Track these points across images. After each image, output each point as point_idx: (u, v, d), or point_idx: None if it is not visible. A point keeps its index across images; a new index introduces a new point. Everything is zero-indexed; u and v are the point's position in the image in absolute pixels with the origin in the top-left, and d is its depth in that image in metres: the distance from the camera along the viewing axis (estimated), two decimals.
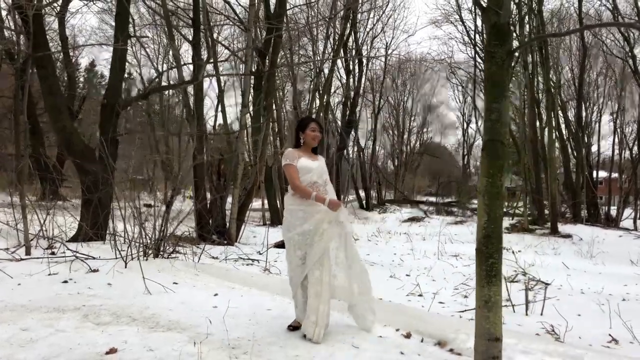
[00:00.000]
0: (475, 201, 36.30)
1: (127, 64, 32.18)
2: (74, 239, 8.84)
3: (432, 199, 40.24)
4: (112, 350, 3.47)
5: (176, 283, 5.79)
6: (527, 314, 6.31)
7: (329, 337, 3.99)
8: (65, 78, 24.41)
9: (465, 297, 7.27)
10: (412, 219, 24.89)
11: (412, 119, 45.89)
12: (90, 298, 4.86)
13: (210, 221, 13.10)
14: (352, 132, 28.30)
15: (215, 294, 5.37)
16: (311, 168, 4.11)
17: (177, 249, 8.62)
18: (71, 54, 29.43)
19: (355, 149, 32.08)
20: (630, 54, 22.86)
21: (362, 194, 32.12)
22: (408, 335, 4.19)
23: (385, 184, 38.63)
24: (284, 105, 26.50)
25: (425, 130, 49.98)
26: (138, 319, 4.23)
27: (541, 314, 6.26)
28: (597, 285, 8.87)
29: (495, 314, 3.34)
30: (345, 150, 25.99)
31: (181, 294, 5.23)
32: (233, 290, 5.71)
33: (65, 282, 5.53)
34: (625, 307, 7.12)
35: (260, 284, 6.02)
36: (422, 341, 4.07)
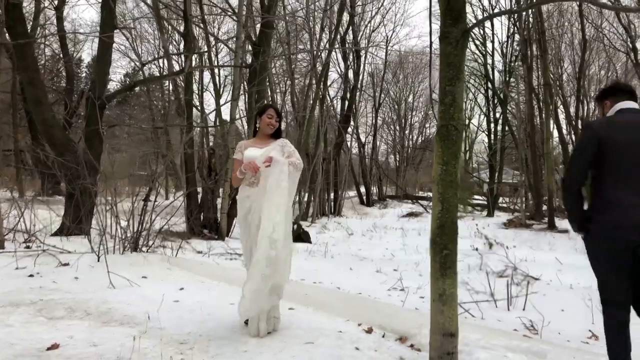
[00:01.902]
0: (477, 196, 36.21)
1: (128, 57, 32.16)
2: (57, 233, 8.74)
3: None
4: (54, 346, 3.34)
5: (145, 277, 5.66)
6: (509, 309, 6.18)
7: (286, 332, 3.87)
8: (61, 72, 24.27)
9: None
10: (411, 214, 24.76)
11: (414, 113, 45.70)
12: (51, 292, 4.73)
13: (202, 215, 13.02)
14: (352, 127, 28.12)
15: (181, 288, 5.24)
16: (252, 157, 3.95)
17: (161, 243, 8.53)
18: (71, 48, 29.44)
19: (356, 144, 31.98)
20: (631, 47, 22.59)
21: (362, 189, 32.02)
22: (369, 330, 4.05)
23: (387, 179, 38.50)
24: (284, 99, 26.41)
25: (427, 125, 49.75)
26: (93, 314, 4.10)
27: (523, 309, 6.13)
28: (587, 280, 8.70)
29: (450, 307, 3.20)
30: (342, 145, 25.80)
31: (146, 288, 5.10)
32: (202, 285, 5.58)
33: (31, 276, 5.41)
34: None
35: (231, 278, 5.89)
36: (383, 336, 3.93)
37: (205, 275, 6.15)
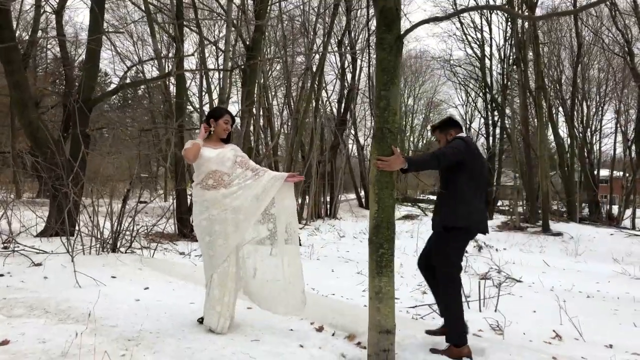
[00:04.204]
0: None
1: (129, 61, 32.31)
2: (41, 235, 8.84)
3: (435, 197, 40.03)
4: (4, 342, 3.41)
5: (114, 277, 5.74)
6: (480, 310, 6.23)
7: (235, 330, 3.94)
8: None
9: (424, 293, 7.19)
10: (407, 217, 24.81)
11: (414, 116, 45.77)
12: (16, 291, 4.82)
13: (191, 218, 13.08)
14: (348, 129, 28.16)
15: (146, 288, 5.31)
16: (209, 157, 4.01)
17: (147, 245, 8.61)
18: (73, 52, 29.60)
19: (355, 147, 32.03)
20: (627, 50, 22.58)
21: (362, 192, 32.09)
22: (320, 329, 4.12)
23: None
24: (284, 103, 26.55)
25: (428, 128, 49.72)
26: (51, 312, 4.18)
27: (495, 311, 6.16)
28: (569, 282, 8.75)
29: (386, 305, 3.27)
30: (338, 147, 25.87)
31: (111, 288, 5.17)
32: (168, 285, 5.65)
33: (1, 275, 5.49)
34: (586, 304, 7.05)
35: (198, 279, 5.94)
36: (333, 335, 4.00)
37: (175, 275, 6.21)
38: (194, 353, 3.33)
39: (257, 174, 4.16)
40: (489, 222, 21.29)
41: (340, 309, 4.78)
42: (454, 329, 3.76)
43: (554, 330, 5.22)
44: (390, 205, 3.25)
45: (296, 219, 4.32)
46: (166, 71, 13.28)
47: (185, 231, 12.37)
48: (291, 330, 4.03)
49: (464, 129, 4.26)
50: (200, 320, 4.08)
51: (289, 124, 21.83)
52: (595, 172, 27.67)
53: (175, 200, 12.52)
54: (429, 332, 4.06)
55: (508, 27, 27.21)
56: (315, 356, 3.46)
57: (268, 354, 3.39)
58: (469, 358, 3.67)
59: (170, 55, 18.69)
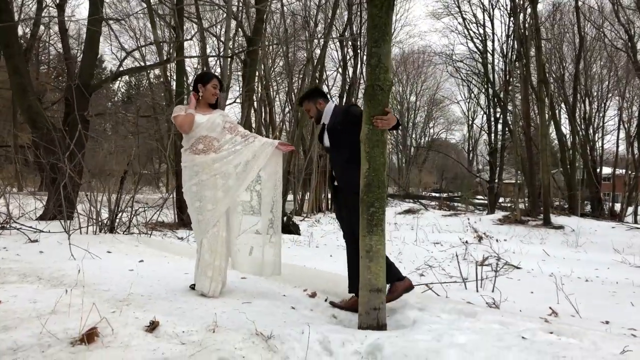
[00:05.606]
0: (479, 196, 35.95)
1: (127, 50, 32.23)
2: (41, 218, 8.85)
3: (437, 194, 40.04)
4: None
5: (110, 252, 5.74)
6: (477, 291, 6.23)
7: (227, 294, 3.94)
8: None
9: (422, 275, 7.22)
10: (408, 211, 24.83)
11: (417, 112, 45.79)
12: (11, 262, 4.81)
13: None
14: None
15: (141, 261, 5.31)
16: (199, 123, 4.01)
17: (146, 231, 8.63)
18: (75, 48, 29.66)
19: None
20: (630, 45, 22.50)
21: None
22: (313, 295, 4.12)
23: (389, 179, 38.53)
24: (280, 98, 26.57)
25: (431, 125, 49.81)
26: (44, 279, 4.18)
27: (492, 291, 6.16)
28: (568, 269, 8.73)
29: (376, 264, 3.26)
30: None
31: (106, 260, 5.17)
32: (163, 259, 5.65)
33: None
34: (584, 287, 7.03)
35: (193, 254, 5.92)
36: (325, 300, 4.00)
37: (170, 251, 6.23)
38: (184, 312, 3.33)
39: (246, 140, 4.15)
40: (490, 216, 21.48)
41: (334, 280, 4.79)
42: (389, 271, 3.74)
43: (550, 307, 5.22)
44: (382, 164, 3.25)
45: (281, 193, 4.29)
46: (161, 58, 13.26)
47: (184, 219, 12.36)
48: (284, 295, 4.04)
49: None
50: (193, 287, 4.08)
51: (290, 117, 21.85)
52: (598, 170, 27.56)
53: (175, 189, 12.54)
54: (332, 304, 3.92)
55: (510, 22, 27.17)
56: (307, 316, 3.46)
57: (259, 313, 3.39)
58: (412, 287, 3.94)
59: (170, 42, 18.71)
